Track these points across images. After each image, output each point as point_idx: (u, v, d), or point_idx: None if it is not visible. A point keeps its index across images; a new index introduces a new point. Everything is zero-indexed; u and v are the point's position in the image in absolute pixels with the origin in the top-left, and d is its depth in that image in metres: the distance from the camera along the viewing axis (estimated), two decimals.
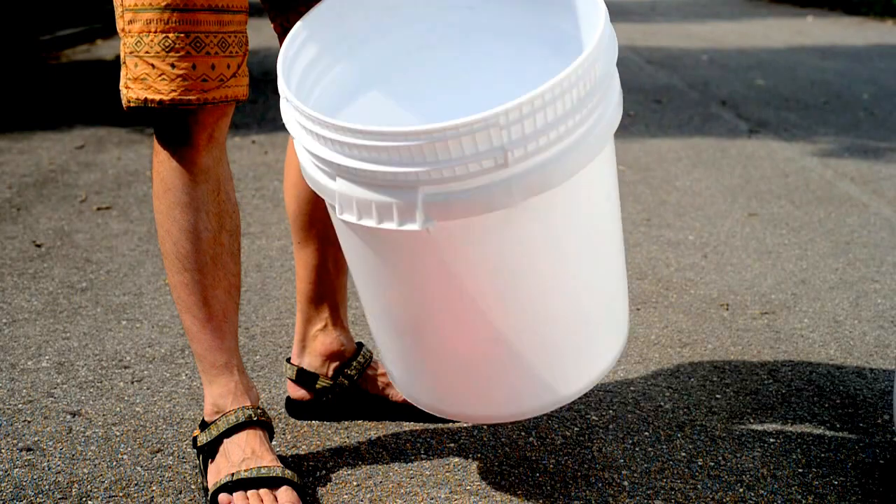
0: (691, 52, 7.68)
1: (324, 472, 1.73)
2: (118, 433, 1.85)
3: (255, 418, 1.65)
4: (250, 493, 1.58)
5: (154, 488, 1.67)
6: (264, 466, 1.60)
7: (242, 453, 1.62)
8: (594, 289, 1.54)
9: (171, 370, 2.12)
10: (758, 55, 7.49)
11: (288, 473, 1.61)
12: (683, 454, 1.80)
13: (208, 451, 1.65)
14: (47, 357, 2.16)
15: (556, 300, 1.49)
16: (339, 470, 1.73)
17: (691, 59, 7.23)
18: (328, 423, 1.89)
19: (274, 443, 1.81)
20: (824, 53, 7.60)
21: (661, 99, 5.54)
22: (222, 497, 1.58)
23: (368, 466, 1.74)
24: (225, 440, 1.63)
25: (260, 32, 7.62)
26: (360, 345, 1.92)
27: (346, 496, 1.65)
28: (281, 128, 4.39)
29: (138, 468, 1.73)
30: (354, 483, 1.69)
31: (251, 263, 2.79)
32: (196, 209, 1.60)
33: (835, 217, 3.33)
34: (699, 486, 1.70)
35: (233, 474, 1.59)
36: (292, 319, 2.38)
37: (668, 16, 10.83)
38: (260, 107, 4.93)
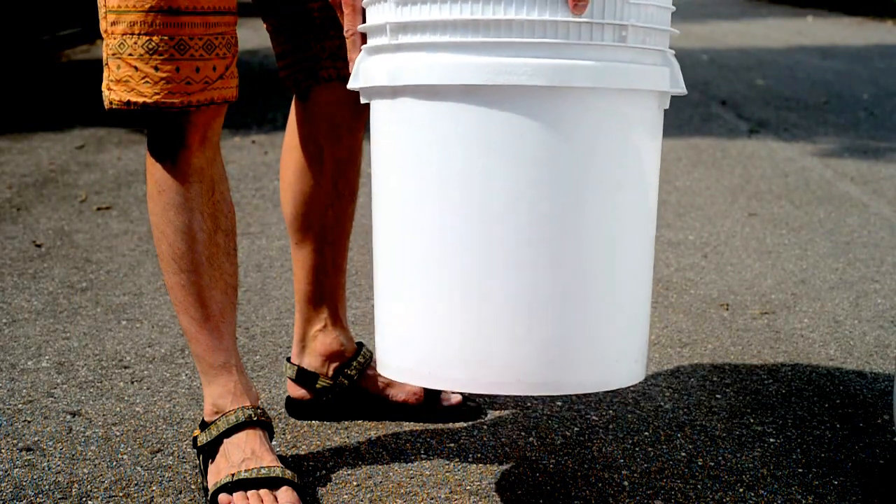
0: (691, 52, 7.68)
1: (324, 472, 1.73)
2: (118, 433, 1.85)
3: (254, 418, 1.65)
4: (250, 493, 1.58)
5: (154, 488, 1.67)
6: (264, 467, 1.60)
7: (242, 453, 1.62)
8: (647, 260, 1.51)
9: (171, 370, 2.12)
10: (758, 55, 7.49)
11: (288, 474, 1.61)
12: (683, 454, 1.80)
13: (208, 452, 1.65)
14: (47, 357, 2.16)
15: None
16: (339, 470, 1.73)
17: (691, 59, 7.23)
18: (328, 423, 1.89)
19: (274, 443, 1.81)
20: (824, 53, 7.60)
21: None
22: (222, 497, 1.58)
23: (368, 466, 1.74)
24: (225, 440, 1.63)
25: (260, 32, 7.63)
26: (360, 345, 1.92)
27: (346, 496, 1.65)
28: (281, 128, 4.39)
29: (138, 468, 1.73)
30: (354, 483, 1.69)
31: (251, 263, 2.79)
32: (190, 210, 1.60)
33: (835, 217, 3.33)
34: (699, 486, 1.70)
35: (233, 474, 1.59)
36: (292, 319, 2.38)
37: None
38: (260, 107, 4.92)
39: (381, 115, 1.46)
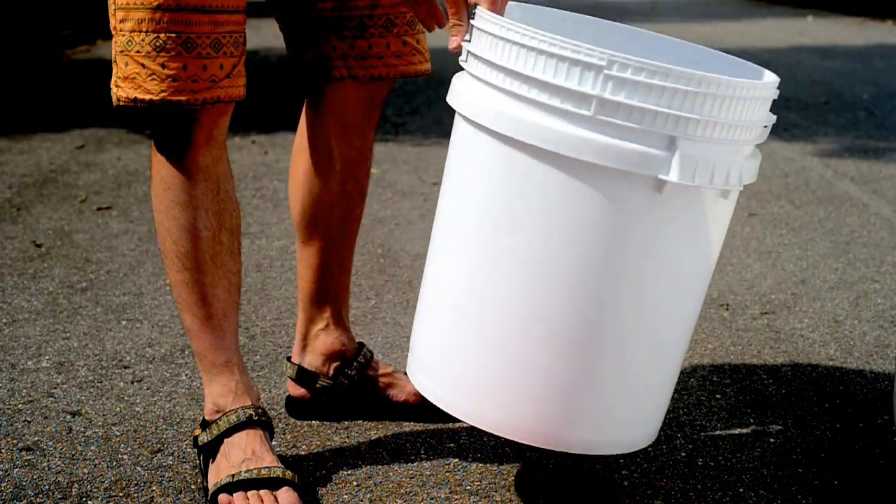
0: None
1: (324, 472, 1.73)
2: (118, 433, 1.85)
3: (255, 418, 1.65)
4: (250, 493, 1.58)
5: (154, 488, 1.67)
6: (265, 467, 1.60)
7: (243, 454, 1.62)
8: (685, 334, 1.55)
9: (171, 370, 2.11)
10: (758, 55, 7.48)
11: (288, 474, 1.61)
12: (683, 454, 1.80)
13: (209, 451, 1.65)
14: (47, 357, 2.16)
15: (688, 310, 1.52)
16: (339, 470, 1.73)
17: None
18: (328, 423, 1.89)
19: (274, 443, 1.81)
20: (824, 53, 7.60)
21: None
22: (222, 497, 1.58)
23: (368, 466, 1.74)
24: (225, 440, 1.63)
25: (260, 32, 7.61)
26: (360, 345, 1.92)
27: (346, 496, 1.65)
28: (281, 128, 4.39)
29: (138, 468, 1.73)
30: (354, 483, 1.69)
31: (251, 263, 2.79)
32: (195, 208, 1.61)
33: (835, 217, 3.33)
34: (699, 486, 1.70)
35: (233, 475, 1.59)
36: (292, 319, 2.38)
37: (668, 16, 10.82)
38: (260, 107, 4.92)
39: (469, 142, 1.48)
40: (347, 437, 1.84)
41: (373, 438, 1.84)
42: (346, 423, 1.89)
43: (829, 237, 3.11)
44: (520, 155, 1.40)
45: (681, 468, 1.75)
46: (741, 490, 1.69)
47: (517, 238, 1.42)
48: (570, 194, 1.38)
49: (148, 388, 2.03)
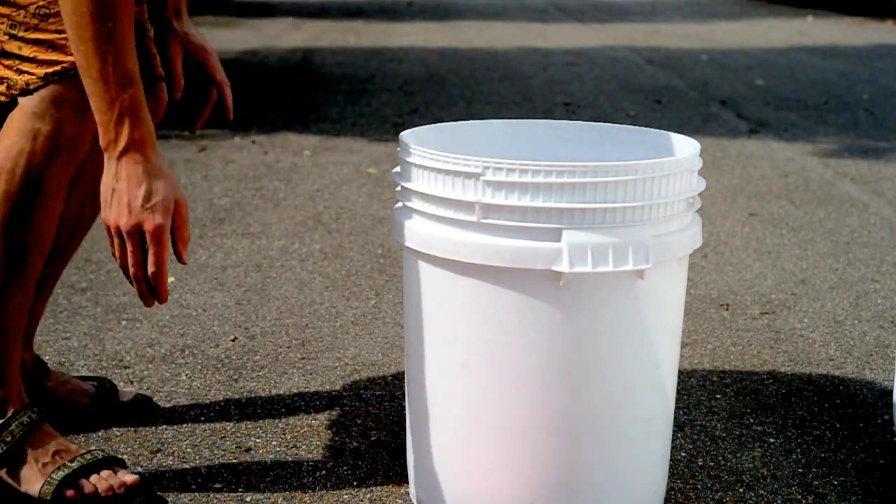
0: (691, 52, 7.68)
1: (324, 472, 1.73)
2: (118, 433, 1.85)
3: (43, 414, 1.63)
4: (92, 477, 1.58)
5: (154, 488, 1.66)
6: (88, 452, 1.61)
7: (54, 447, 1.60)
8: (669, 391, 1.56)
9: (171, 370, 2.11)
10: (758, 55, 7.49)
11: (110, 453, 1.64)
12: (683, 454, 1.80)
13: (10, 459, 1.59)
14: (47, 357, 2.16)
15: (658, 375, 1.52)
16: (339, 470, 1.73)
17: (691, 59, 7.23)
18: (328, 423, 1.89)
19: (274, 442, 1.81)
20: (824, 53, 7.61)
21: (661, 99, 5.55)
22: (69, 492, 1.56)
23: (368, 466, 1.74)
24: (27, 444, 1.59)
25: (260, 32, 7.62)
26: (38, 358, 1.83)
27: (346, 496, 1.65)
28: (281, 128, 4.39)
29: (138, 468, 1.73)
30: (354, 483, 1.69)
31: (251, 263, 2.79)
32: (60, 218, 1.56)
33: (835, 217, 3.33)
34: (699, 486, 1.70)
35: (61, 467, 1.58)
36: (292, 319, 2.38)
37: (668, 16, 10.83)
38: (260, 107, 4.92)
39: (404, 262, 1.55)
40: (347, 437, 1.84)
41: (372, 439, 1.84)
42: (345, 422, 1.89)
43: (829, 237, 3.11)
44: (429, 266, 1.46)
45: (681, 468, 1.75)
46: (741, 490, 1.69)
47: (450, 347, 1.47)
48: (479, 297, 1.42)
49: (148, 388, 2.03)
